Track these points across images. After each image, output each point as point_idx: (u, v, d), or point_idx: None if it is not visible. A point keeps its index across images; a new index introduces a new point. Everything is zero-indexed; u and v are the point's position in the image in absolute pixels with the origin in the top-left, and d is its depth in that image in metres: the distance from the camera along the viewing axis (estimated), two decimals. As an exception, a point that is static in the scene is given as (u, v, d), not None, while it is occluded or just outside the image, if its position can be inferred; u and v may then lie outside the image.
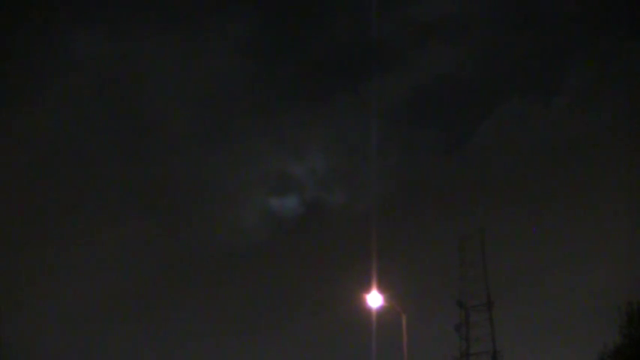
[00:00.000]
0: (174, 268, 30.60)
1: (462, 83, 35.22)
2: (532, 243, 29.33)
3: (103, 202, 32.15)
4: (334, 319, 26.14)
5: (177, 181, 32.92)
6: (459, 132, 34.77)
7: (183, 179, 33.10)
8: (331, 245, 27.00)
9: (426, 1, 35.75)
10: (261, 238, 32.49)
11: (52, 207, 31.57)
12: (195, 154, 34.60)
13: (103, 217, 31.54)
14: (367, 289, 19.94)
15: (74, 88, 34.39)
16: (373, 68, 34.92)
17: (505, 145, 33.13)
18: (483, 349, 29.53)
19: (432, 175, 32.81)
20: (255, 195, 33.39)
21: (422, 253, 29.38)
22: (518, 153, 32.69)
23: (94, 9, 34.75)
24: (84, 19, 34.53)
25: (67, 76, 34.35)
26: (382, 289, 20.04)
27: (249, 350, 28.40)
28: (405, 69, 36.05)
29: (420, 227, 30.17)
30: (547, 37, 33.78)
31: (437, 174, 32.92)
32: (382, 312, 22.17)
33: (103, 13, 34.86)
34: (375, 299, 20.66)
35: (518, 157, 32.40)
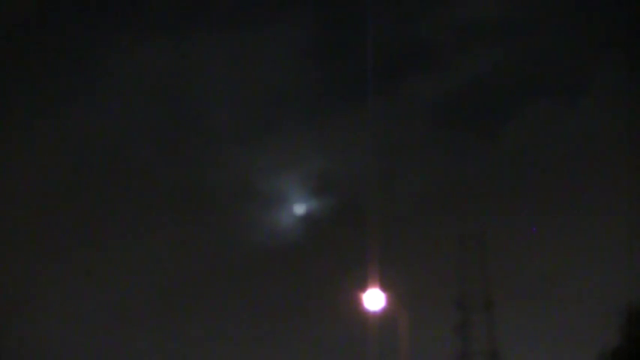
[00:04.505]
0: (201, 270, 30.69)
1: (495, 85, 35.34)
2: (534, 244, 29.33)
3: (140, 203, 32.17)
4: (337, 320, 26.13)
5: (216, 183, 32.94)
6: (485, 134, 34.81)
7: (223, 180, 33.12)
8: (361, 246, 26.88)
9: (468, 3, 35.90)
10: (296, 239, 32.39)
11: (90, 209, 31.62)
12: (238, 155, 34.60)
13: (139, 218, 31.58)
14: (368, 290, 19.95)
15: (125, 89, 34.42)
16: (414, 70, 35.11)
17: (528, 146, 33.09)
18: (483, 350, 29.58)
19: (453, 176, 32.81)
20: (294, 196, 33.28)
21: (426, 253, 29.34)
22: (541, 154, 32.65)
23: (150, 10, 34.65)
24: (140, 21, 34.44)
25: (118, 76, 34.40)
26: (384, 289, 20.04)
27: (264, 352, 28.57)
28: (444, 70, 36.16)
29: (427, 227, 30.15)
30: (575, 37, 33.82)
31: (458, 174, 32.93)
32: (381, 312, 22.18)
33: (160, 14, 34.76)
34: (375, 300, 20.65)
35: (540, 159, 32.37)
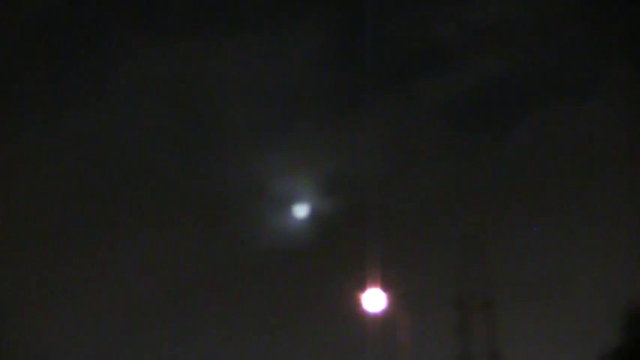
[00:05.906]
0: (209, 271, 30.75)
1: (505, 86, 35.41)
2: (535, 244, 29.39)
3: (150, 203, 32.20)
4: (337, 321, 26.21)
5: (227, 183, 32.87)
6: (494, 135, 34.91)
7: (234, 181, 33.05)
8: (363, 247, 26.93)
9: (479, 4, 35.96)
10: (306, 240, 32.35)
11: (99, 208, 31.68)
12: (250, 156, 34.56)
13: (148, 217, 31.61)
14: (368, 290, 19.98)
15: (137, 89, 34.40)
16: (426, 70, 35.19)
17: (533, 147, 33.13)
18: (483, 350, 29.54)
19: (459, 176, 32.86)
20: (305, 197, 33.29)
21: (427, 253, 29.41)
22: (546, 155, 32.71)
23: (164, 10, 34.71)
24: (154, 21, 34.48)
25: (131, 76, 34.39)
26: (385, 289, 20.09)
27: (263, 352, 28.71)
28: (455, 71, 36.17)
29: (428, 227, 30.22)
30: (585, 38, 33.91)
31: (464, 175, 32.99)
32: (382, 313, 22.20)
33: (173, 14, 34.81)
34: (375, 300, 20.69)
35: (544, 159, 32.41)
